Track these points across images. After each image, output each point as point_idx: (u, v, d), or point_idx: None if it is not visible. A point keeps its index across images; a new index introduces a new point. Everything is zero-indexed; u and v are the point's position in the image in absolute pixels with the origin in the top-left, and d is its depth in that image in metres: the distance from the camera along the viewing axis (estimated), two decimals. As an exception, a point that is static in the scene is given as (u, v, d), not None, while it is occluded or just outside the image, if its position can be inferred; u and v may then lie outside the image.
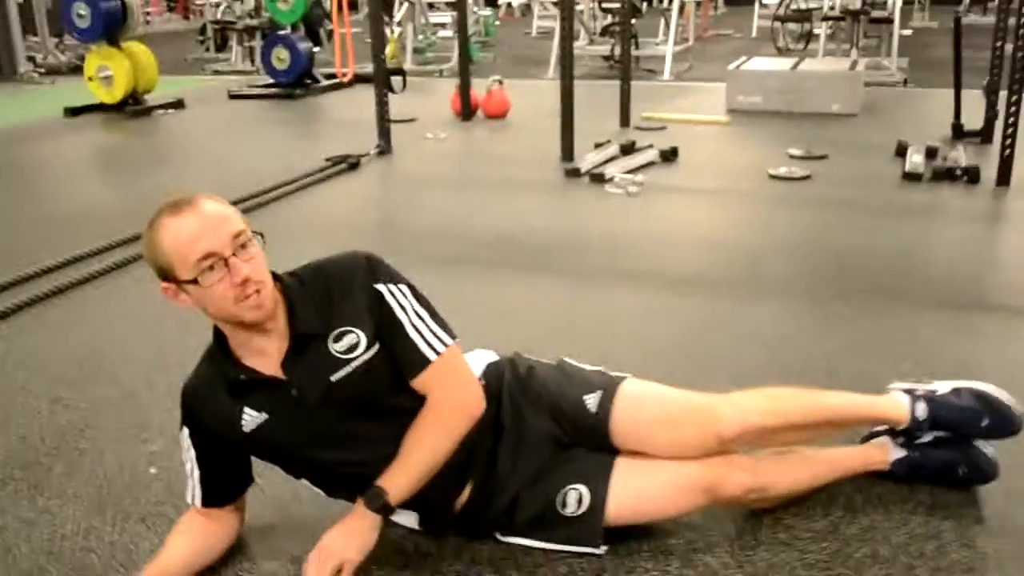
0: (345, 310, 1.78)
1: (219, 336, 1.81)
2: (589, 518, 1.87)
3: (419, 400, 1.81)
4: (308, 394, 1.75)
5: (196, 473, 1.88)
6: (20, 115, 7.93)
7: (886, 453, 2.09)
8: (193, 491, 1.89)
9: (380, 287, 1.80)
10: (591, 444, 1.93)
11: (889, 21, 8.56)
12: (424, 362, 1.78)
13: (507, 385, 1.96)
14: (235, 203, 5.54)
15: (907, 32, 9.94)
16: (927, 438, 2.07)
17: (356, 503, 1.78)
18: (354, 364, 1.75)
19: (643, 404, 1.93)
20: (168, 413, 2.58)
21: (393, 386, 1.80)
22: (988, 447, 2.07)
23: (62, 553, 2.00)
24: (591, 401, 1.92)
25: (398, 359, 1.79)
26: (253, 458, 1.92)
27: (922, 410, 2.02)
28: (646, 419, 1.91)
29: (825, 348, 2.84)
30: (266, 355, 1.77)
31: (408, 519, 1.93)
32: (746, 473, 1.90)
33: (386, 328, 1.78)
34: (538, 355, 2.08)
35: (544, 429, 1.93)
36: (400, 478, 1.76)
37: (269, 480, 2.02)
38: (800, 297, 3.29)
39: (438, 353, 1.79)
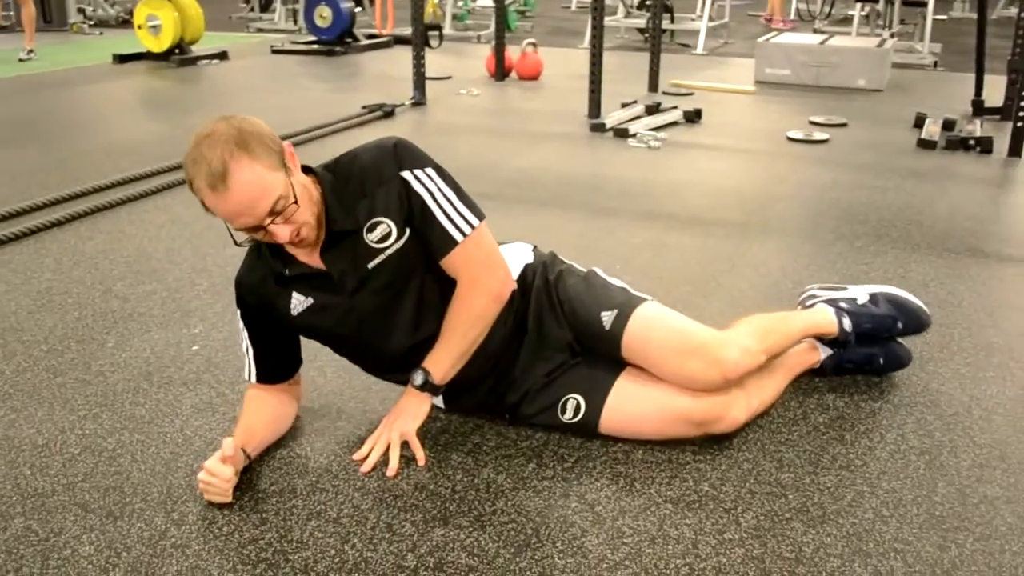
0: (377, 201, 1.88)
1: None
2: (582, 427, 2.04)
3: (450, 284, 1.95)
4: (347, 282, 1.91)
5: (251, 352, 2.05)
6: (70, 61, 8.23)
7: (818, 353, 2.33)
8: (249, 368, 2.06)
9: (406, 174, 1.89)
10: (601, 354, 2.06)
11: (923, 4, 8.64)
12: (452, 243, 1.90)
13: (535, 290, 2.09)
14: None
15: (942, 17, 10.00)
16: None
17: (407, 387, 2.01)
18: (387, 252, 1.89)
19: (655, 330, 2.02)
20: (208, 306, 2.83)
21: (425, 270, 1.93)
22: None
23: (113, 405, 2.25)
24: (607, 318, 2.03)
25: (427, 241, 1.91)
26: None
27: (848, 323, 2.28)
28: (656, 344, 2.00)
29: (818, 279, 3.02)
30: (308, 247, 1.91)
31: (436, 400, 2.10)
32: (741, 410, 2.04)
33: (416, 213, 1.89)
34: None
35: (561, 337, 2.07)
36: (442, 361, 1.96)
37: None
38: (802, 238, 3.48)
39: (465, 234, 1.90)
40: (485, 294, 1.95)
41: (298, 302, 1.95)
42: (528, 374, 2.07)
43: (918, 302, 2.36)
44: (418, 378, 1.97)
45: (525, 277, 2.10)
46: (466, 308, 1.95)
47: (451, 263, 1.93)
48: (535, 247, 2.22)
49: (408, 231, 1.91)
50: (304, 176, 1.88)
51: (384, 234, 1.89)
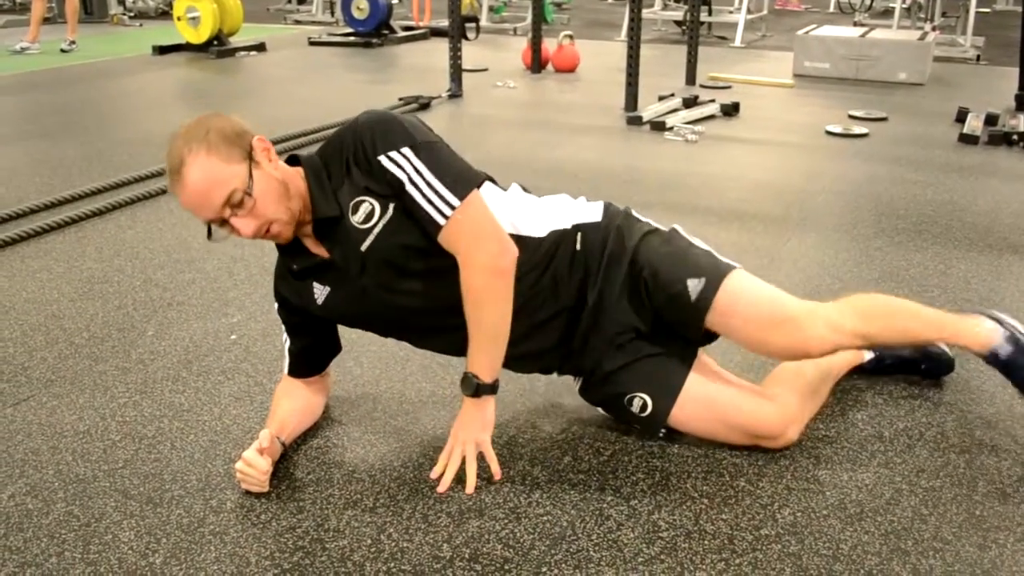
0: (357, 181, 1.84)
1: None
2: (650, 421, 1.99)
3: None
4: (350, 266, 1.88)
5: (287, 345, 2.08)
6: (111, 52, 8.31)
7: (863, 354, 2.28)
8: (287, 362, 2.09)
9: (382, 159, 1.80)
10: (676, 325, 1.96)
11: (966, -4, 8.52)
12: (436, 227, 1.80)
13: (607, 257, 1.94)
14: (308, 134, 5.73)
15: (985, 10, 9.85)
16: None
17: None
18: (375, 231, 1.84)
19: (741, 302, 1.92)
20: (247, 295, 2.86)
21: (424, 239, 1.83)
22: (945, 346, 2.26)
23: (153, 393, 2.28)
24: (693, 287, 1.91)
25: (418, 222, 1.83)
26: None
27: (1005, 352, 1.99)
28: (741, 316, 1.92)
29: (857, 275, 3.00)
30: (285, 239, 1.89)
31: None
32: (796, 432, 2.00)
33: (398, 195, 1.82)
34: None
35: (626, 320, 1.95)
36: (482, 359, 1.86)
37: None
38: (841, 233, 3.45)
39: (447, 216, 1.78)
40: (479, 272, 1.81)
41: (319, 292, 1.94)
42: (592, 349, 1.97)
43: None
44: (468, 387, 1.86)
45: (587, 239, 1.95)
46: (471, 294, 1.82)
47: (445, 242, 1.82)
48: (607, 203, 2.05)
49: (392, 206, 1.84)
50: (287, 168, 1.87)
51: (367, 213, 1.84)
